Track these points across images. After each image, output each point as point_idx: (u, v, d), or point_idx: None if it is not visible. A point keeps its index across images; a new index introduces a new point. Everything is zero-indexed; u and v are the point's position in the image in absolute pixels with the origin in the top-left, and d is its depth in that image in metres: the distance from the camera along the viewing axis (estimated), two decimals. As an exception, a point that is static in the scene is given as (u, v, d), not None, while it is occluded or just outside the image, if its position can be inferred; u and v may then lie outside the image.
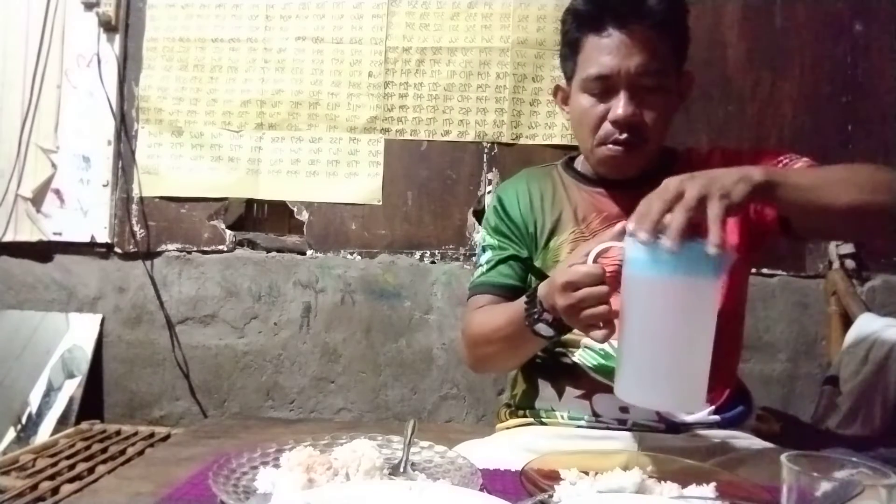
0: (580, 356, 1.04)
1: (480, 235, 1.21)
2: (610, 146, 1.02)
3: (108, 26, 2.03)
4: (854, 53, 1.92)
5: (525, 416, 1.10)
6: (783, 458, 0.56)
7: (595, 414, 1.02)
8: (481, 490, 0.73)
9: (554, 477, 0.76)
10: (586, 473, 0.76)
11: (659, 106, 1.01)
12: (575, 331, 0.90)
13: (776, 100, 1.93)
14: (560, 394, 1.06)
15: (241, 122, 2.03)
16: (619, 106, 0.99)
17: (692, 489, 0.73)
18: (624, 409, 1.00)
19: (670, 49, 1.01)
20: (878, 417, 1.55)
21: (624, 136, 1.00)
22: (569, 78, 1.08)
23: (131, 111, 2.06)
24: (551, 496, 0.71)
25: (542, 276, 1.07)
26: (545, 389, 1.07)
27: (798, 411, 1.87)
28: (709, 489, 0.72)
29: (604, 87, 1.00)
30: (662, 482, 0.75)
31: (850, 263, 1.87)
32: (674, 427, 1.00)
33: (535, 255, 1.12)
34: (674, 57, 1.03)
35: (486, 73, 1.97)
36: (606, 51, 0.99)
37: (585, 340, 1.04)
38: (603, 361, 1.02)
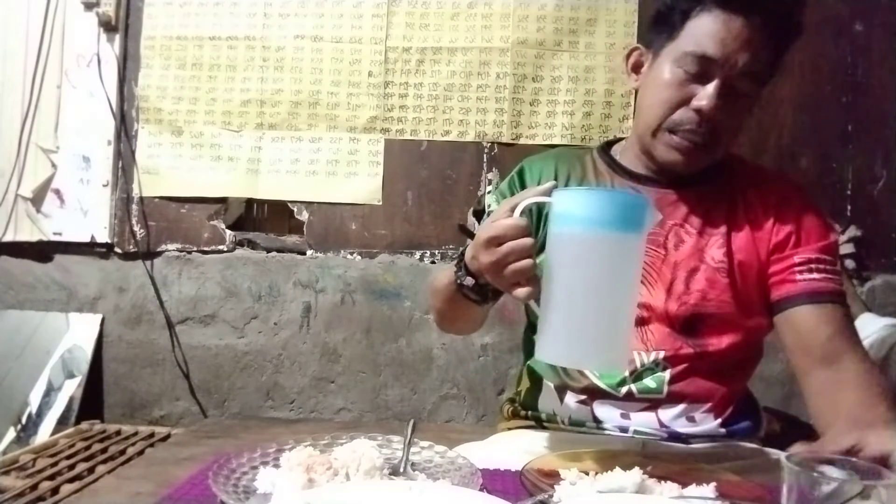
0: None
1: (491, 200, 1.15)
2: (681, 136, 0.94)
3: (107, 26, 2.02)
4: (854, 53, 1.92)
5: (527, 417, 1.08)
6: (783, 458, 0.57)
7: (596, 420, 1.00)
8: (481, 490, 0.72)
9: (554, 477, 0.76)
10: (586, 473, 0.76)
11: (741, 112, 0.96)
12: None
13: (776, 100, 1.92)
14: (561, 396, 1.04)
15: (241, 122, 2.03)
16: (709, 95, 0.90)
17: (692, 489, 0.73)
18: (625, 416, 0.98)
19: (776, 57, 0.95)
20: (878, 417, 1.55)
21: (701, 128, 0.93)
22: (657, 45, 0.98)
23: (131, 111, 2.05)
24: (551, 496, 0.71)
25: None
26: (548, 388, 1.05)
27: (798, 411, 1.86)
28: (709, 489, 0.72)
29: (699, 70, 0.91)
30: (662, 482, 0.74)
31: (850, 263, 1.87)
32: (677, 438, 0.96)
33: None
34: (773, 67, 0.96)
35: (486, 73, 1.97)
36: (722, 32, 0.90)
37: None
38: None
